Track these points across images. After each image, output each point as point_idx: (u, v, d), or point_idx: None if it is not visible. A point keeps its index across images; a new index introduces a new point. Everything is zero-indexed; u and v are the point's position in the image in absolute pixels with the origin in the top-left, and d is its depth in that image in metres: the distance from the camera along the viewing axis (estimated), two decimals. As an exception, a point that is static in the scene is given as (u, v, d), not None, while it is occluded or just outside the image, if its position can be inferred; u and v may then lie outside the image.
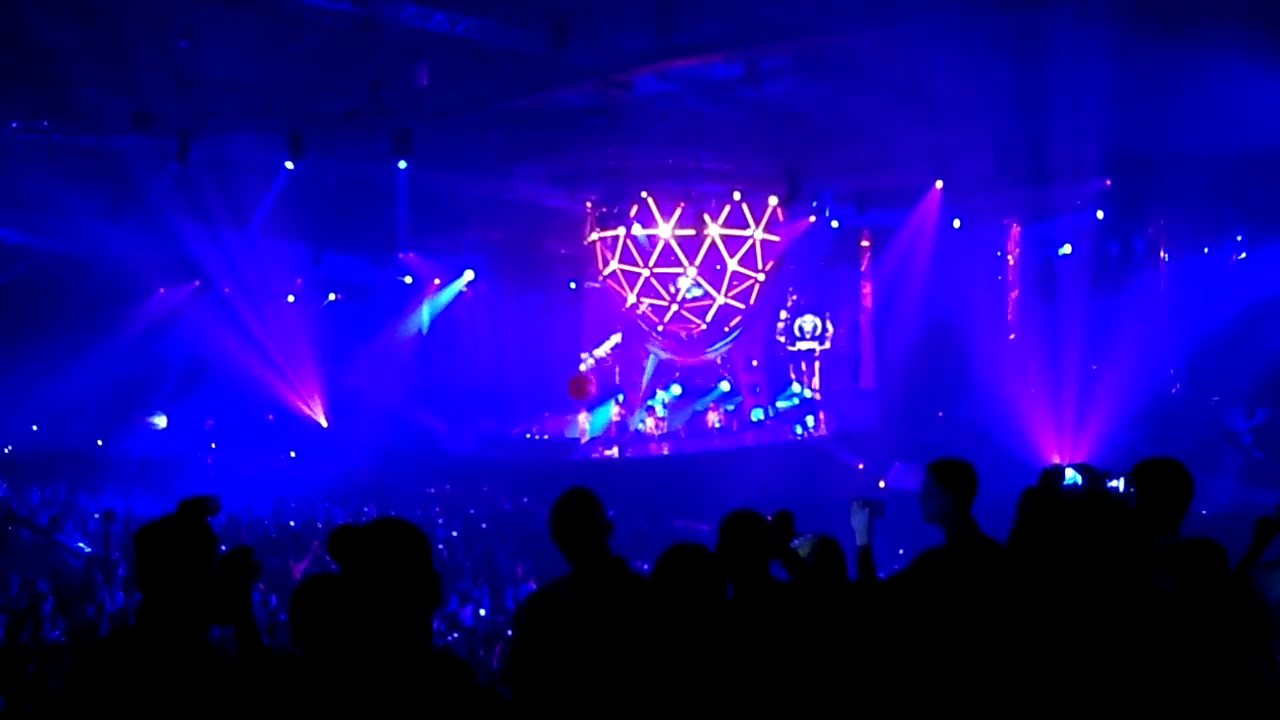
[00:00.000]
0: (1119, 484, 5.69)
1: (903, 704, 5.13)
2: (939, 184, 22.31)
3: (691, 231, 26.79)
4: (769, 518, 5.83)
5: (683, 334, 30.02)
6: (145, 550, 4.11)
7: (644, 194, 26.29)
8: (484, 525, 23.31)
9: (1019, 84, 17.17)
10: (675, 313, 29.82)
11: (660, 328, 30.00)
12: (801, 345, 29.37)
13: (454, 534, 22.43)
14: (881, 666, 5.32)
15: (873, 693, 5.18)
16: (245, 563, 4.54)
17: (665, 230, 27.46)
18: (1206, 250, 23.29)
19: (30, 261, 27.82)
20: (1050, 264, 25.47)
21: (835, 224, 25.77)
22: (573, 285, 31.66)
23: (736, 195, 25.32)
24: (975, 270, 25.51)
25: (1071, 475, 5.86)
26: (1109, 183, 22.23)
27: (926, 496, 6.03)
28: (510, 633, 5.32)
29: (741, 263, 28.52)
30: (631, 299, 30.07)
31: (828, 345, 29.25)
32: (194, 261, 27.51)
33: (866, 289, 28.02)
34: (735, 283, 29.24)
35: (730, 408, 29.52)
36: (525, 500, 24.82)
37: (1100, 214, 23.19)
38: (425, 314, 31.95)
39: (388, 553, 3.84)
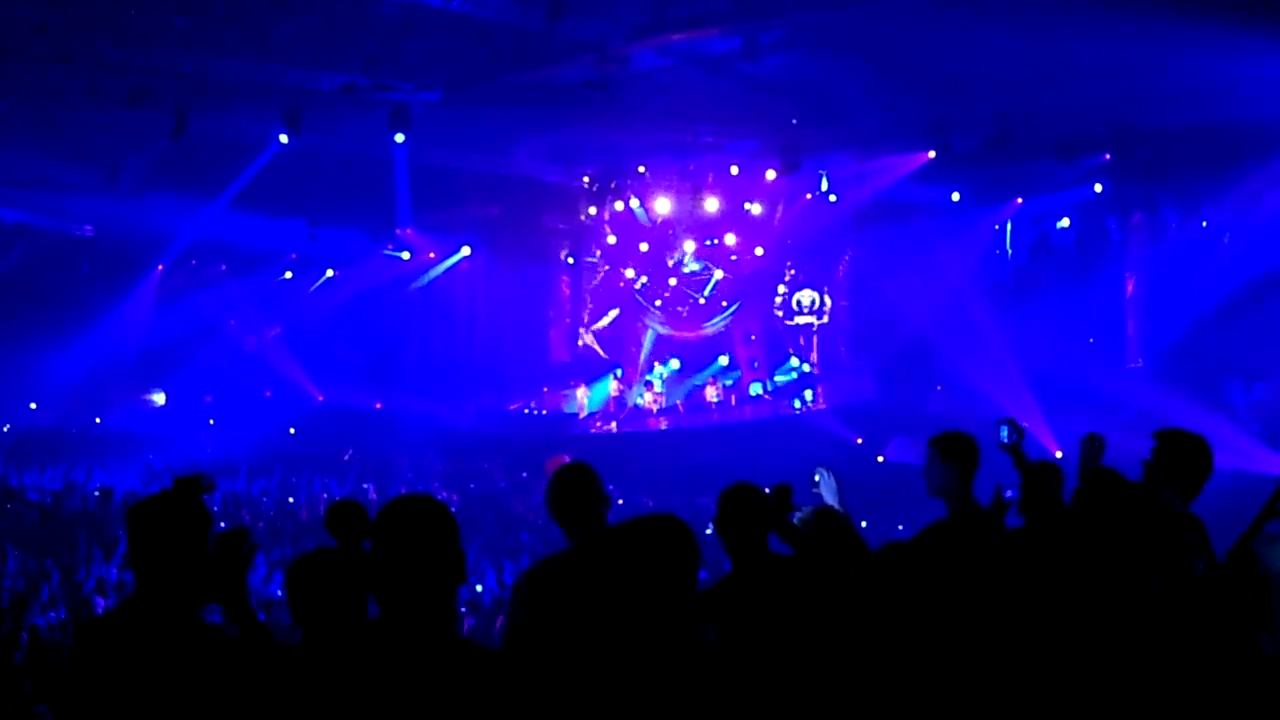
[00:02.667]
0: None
1: (904, 677, 5.13)
2: (931, 154, 22.25)
3: (689, 206, 26.78)
4: (767, 490, 5.81)
5: (681, 309, 30.03)
6: (137, 527, 4.09)
7: (641, 169, 26.26)
8: (482, 500, 23.31)
9: (1017, 57, 17.11)
10: (673, 287, 29.84)
11: (658, 302, 30.01)
12: (799, 320, 29.35)
13: (452, 509, 22.42)
14: (883, 639, 5.31)
15: (874, 666, 5.18)
16: (241, 542, 4.52)
17: (663, 205, 27.46)
18: (1205, 224, 23.26)
19: (29, 241, 27.77)
20: (1048, 237, 25.48)
21: (833, 198, 25.74)
22: (571, 260, 31.64)
23: (734, 169, 25.28)
24: (974, 243, 25.52)
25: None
26: (1108, 157, 22.20)
27: (929, 470, 6.02)
28: (509, 608, 5.29)
29: (739, 237, 28.51)
30: (629, 274, 30.09)
31: (826, 319, 29.23)
32: (191, 238, 27.51)
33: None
34: (733, 257, 29.26)
35: (729, 382, 29.52)
36: (524, 475, 24.81)
37: (1099, 187, 23.16)
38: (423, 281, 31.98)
39: (416, 530, 3.77)
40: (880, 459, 23.65)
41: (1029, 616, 4.26)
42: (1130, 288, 23.64)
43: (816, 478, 6.17)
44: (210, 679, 3.90)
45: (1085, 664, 3.95)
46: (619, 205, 27.80)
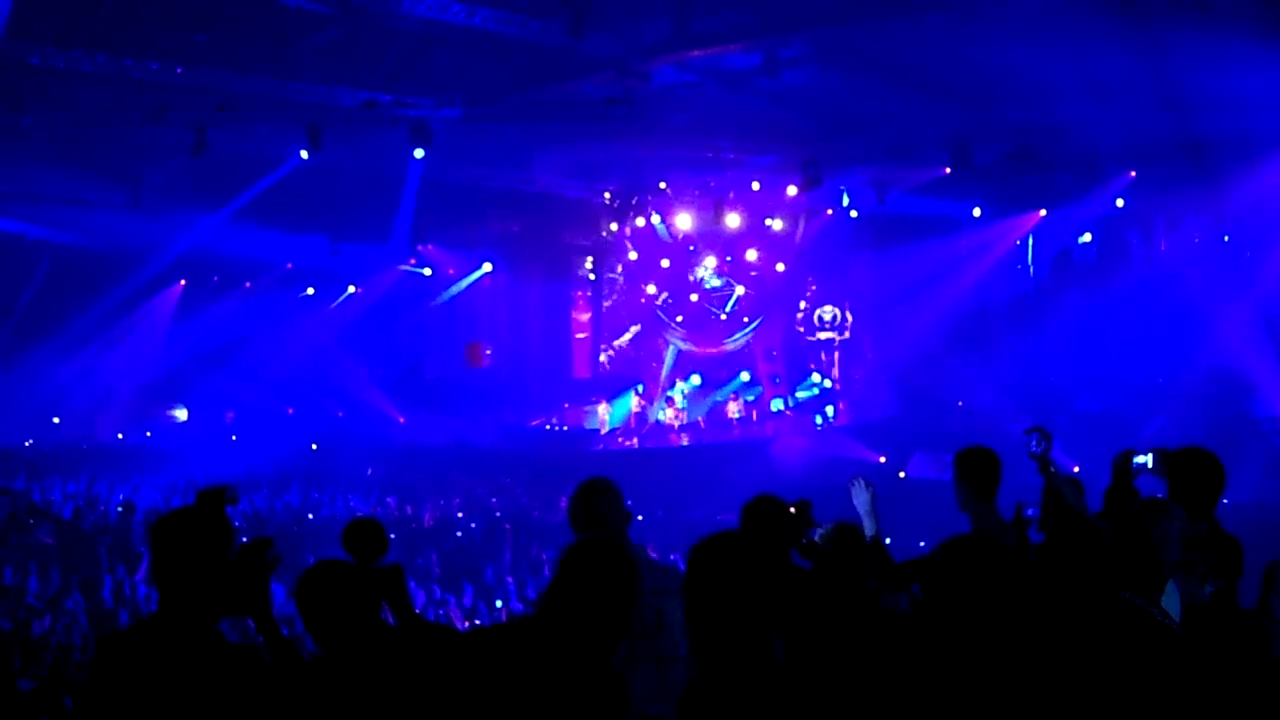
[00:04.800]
0: (1146, 460, 5.66)
1: (920, 692, 5.12)
2: (946, 170, 22.21)
3: (710, 222, 26.78)
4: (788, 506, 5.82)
5: (702, 325, 30.04)
6: (161, 542, 4.09)
7: (662, 184, 26.26)
8: (504, 516, 23.31)
9: (1039, 70, 17.08)
10: (695, 303, 29.84)
11: (680, 318, 30.01)
12: (821, 335, 29.32)
13: (473, 525, 22.44)
14: (898, 654, 5.30)
15: (890, 680, 5.17)
16: (264, 553, 4.51)
17: (684, 221, 27.46)
18: (1227, 239, 23.19)
19: (53, 257, 27.89)
20: (1070, 252, 25.42)
21: (854, 213, 25.73)
22: (592, 276, 31.67)
23: (755, 185, 25.27)
24: (995, 258, 25.46)
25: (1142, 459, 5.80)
26: (1133, 174, 22.13)
27: (955, 485, 6.03)
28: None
29: (760, 252, 28.50)
30: (651, 290, 30.10)
31: (847, 335, 29.20)
32: (214, 254, 27.60)
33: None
34: (754, 273, 29.24)
35: (750, 398, 29.51)
36: (546, 491, 24.83)
37: (1120, 202, 23.09)
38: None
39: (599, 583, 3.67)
40: (901, 475, 23.58)
41: (1038, 632, 4.25)
42: (1152, 302, 23.51)
43: (855, 489, 6.20)
44: (231, 693, 3.90)
45: (1093, 679, 3.93)
46: (640, 221, 27.81)
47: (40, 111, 19.15)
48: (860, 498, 6.15)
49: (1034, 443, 5.96)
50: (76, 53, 16.78)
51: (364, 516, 5.69)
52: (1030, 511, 6.01)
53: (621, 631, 3.69)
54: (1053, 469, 5.99)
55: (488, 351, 24.89)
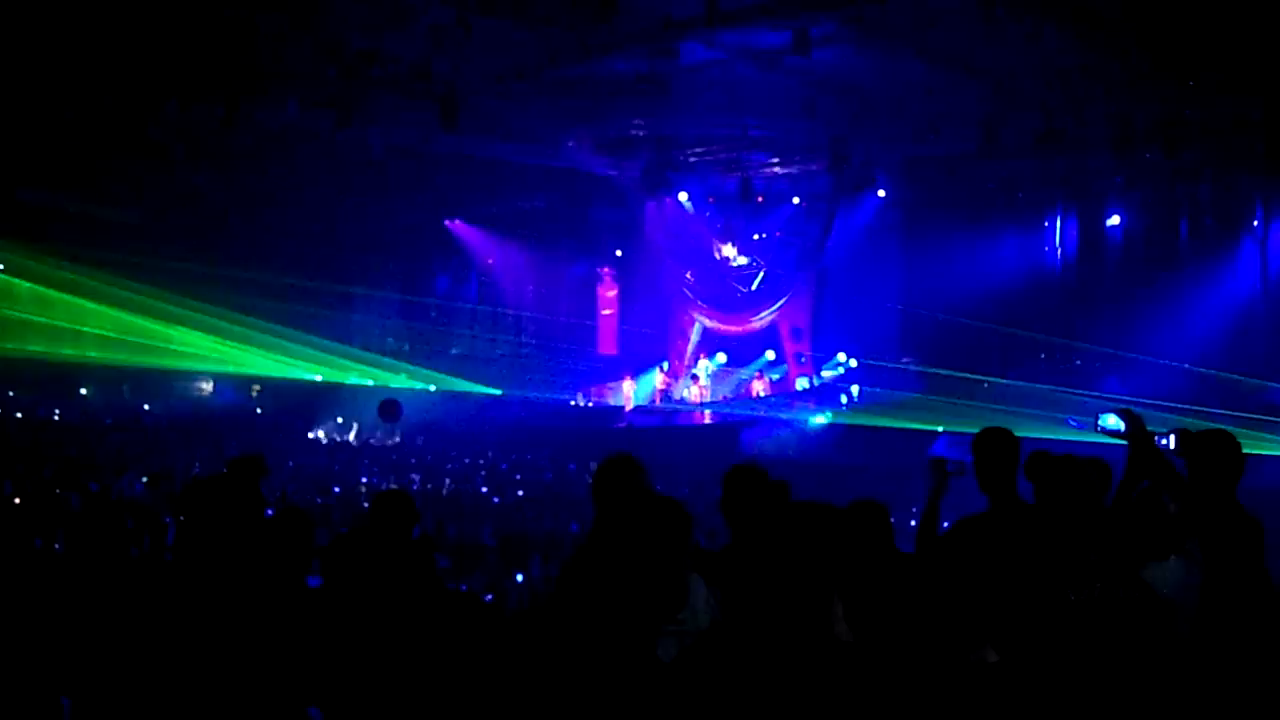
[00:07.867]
0: (1169, 441, 5.64)
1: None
2: (976, 150, 22.15)
3: (738, 199, 26.74)
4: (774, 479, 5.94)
5: (728, 303, 29.99)
6: (191, 506, 4.13)
7: (691, 162, 26.23)
8: (528, 491, 23.35)
9: (1068, 52, 17.02)
10: (721, 281, 29.81)
11: (705, 295, 29.99)
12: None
13: (497, 500, 22.48)
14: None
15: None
16: (297, 523, 4.54)
17: (712, 198, 27.43)
18: (1255, 224, 23.07)
19: (77, 228, 27.98)
20: (1098, 235, 25.32)
21: (881, 193, 25.65)
22: (619, 253, 31.66)
23: (783, 163, 25.21)
24: (1024, 239, 25.40)
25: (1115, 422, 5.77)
26: (1163, 155, 22.04)
27: (974, 467, 6.07)
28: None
29: (786, 231, 28.45)
30: (677, 267, 30.09)
31: (873, 315, 29.09)
32: (240, 226, 27.68)
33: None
34: (780, 251, 29.19)
35: (775, 376, 29.46)
36: (571, 467, 24.84)
37: (1148, 185, 23.01)
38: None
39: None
40: (927, 456, 23.44)
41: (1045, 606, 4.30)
42: (1178, 285, 23.42)
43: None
44: (261, 653, 3.94)
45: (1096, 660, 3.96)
46: (668, 199, 27.76)
47: (72, 87, 19.21)
48: (935, 477, 6.43)
49: (1124, 425, 5.88)
50: (105, 28, 16.87)
51: (393, 489, 5.74)
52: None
53: (679, 589, 3.40)
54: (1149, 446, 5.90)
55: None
